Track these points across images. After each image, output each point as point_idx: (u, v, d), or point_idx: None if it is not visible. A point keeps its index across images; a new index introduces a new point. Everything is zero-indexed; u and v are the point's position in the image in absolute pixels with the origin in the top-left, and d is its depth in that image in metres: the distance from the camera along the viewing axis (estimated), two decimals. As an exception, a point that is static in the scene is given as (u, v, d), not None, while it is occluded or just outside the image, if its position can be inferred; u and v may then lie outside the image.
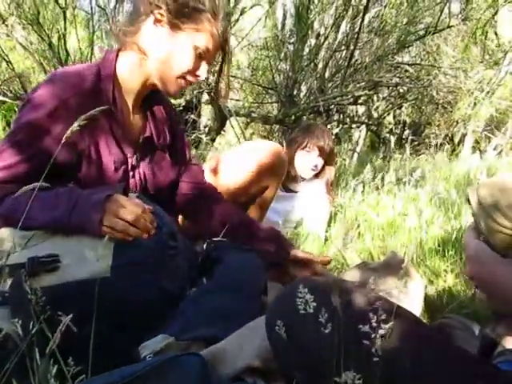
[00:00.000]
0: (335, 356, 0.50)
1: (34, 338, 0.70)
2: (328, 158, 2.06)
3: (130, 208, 0.90)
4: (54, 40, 2.71)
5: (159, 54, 1.06)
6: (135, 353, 0.81)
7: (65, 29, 2.68)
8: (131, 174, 1.13)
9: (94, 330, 0.69)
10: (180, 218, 1.43)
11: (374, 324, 0.47)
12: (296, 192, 2.07)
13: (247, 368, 0.68)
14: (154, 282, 0.95)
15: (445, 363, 0.53)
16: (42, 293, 0.72)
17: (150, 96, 1.18)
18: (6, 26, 2.77)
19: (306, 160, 2.03)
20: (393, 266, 1.18)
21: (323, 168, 2.06)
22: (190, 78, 1.10)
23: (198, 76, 1.11)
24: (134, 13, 1.08)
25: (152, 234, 0.95)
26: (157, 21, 1.04)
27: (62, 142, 0.76)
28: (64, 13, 2.58)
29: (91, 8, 2.83)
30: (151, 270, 0.96)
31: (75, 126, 0.76)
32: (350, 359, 0.50)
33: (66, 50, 2.75)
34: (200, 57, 1.08)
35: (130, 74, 1.10)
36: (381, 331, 0.47)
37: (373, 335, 0.47)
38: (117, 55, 1.09)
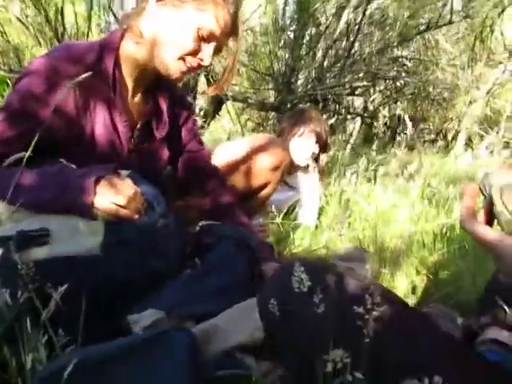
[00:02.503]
0: (326, 335, 0.51)
1: (22, 306, 0.70)
2: (324, 144, 2.01)
3: (122, 190, 0.90)
4: (51, 14, 2.66)
5: (160, 34, 1.02)
6: (124, 324, 0.82)
7: (62, 2, 2.63)
8: (127, 157, 1.12)
9: (83, 305, 0.69)
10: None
11: (369, 306, 0.48)
12: (292, 187, 2.02)
13: (237, 346, 0.69)
14: (142, 261, 0.95)
15: (435, 346, 0.54)
16: (32, 265, 0.72)
17: (156, 83, 1.16)
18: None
19: (304, 148, 1.94)
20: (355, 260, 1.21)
21: (318, 155, 2.00)
22: (191, 60, 1.04)
23: (201, 60, 1.05)
24: None
25: (142, 214, 0.95)
26: (159, 0, 1.01)
27: (52, 107, 0.76)
28: (62, -14, 2.53)
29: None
30: (141, 249, 0.96)
31: (64, 89, 0.75)
32: (341, 339, 0.51)
33: (63, 25, 2.70)
34: (203, 39, 1.02)
35: (132, 56, 1.07)
36: (374, 313, 0.48)
37: (366, 316, 0.48)
38: (122, 37, 1.07)
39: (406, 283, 1.29)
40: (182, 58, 1.03)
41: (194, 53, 1.03)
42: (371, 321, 0.51)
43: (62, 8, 2.59)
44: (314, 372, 0.51)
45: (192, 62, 1.04)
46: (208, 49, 1.03)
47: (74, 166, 0.96)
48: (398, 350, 0.53)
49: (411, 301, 1.24)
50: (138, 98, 1.15)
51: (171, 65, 1.04)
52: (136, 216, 0.93)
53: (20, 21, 2.82)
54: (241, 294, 0.90)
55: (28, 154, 0.77)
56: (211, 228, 1.18)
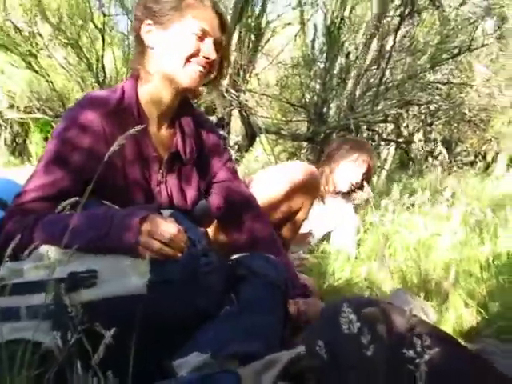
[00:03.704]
0: (377, 379, 0.50)
1: (73, 349, 0.72)
2: (369, 177, 2.02)
3: (165, 228, 0.92)
4: (92, 60, 2.83)
5: (159, 55, 1.10)
6: (169, 368, 0.83)
7: (103, 49, 2.79)
8: (157, 189, 1.16)
9: (133, 345, 0.70)
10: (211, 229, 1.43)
11: (419, 349, 0.47)
12: (325, 205, 2.02)
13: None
14: (187, 299, 0.96)
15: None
16: (81, 307, 0.74)
17: (179, 110, 1.20)
18: (47, 47, 2.90)
19: (351, 174, 1.95)
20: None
21: (361, 185, 2.00)
22: (197, 61, 1.09)
23: (207, 58, 1.09)
24: (135, 39, 1.15)
25: (185, 252, 0.97)
26: (148, 32, 1.09)
27: (104, 160, 0.80)
28: (102, 35, 2.69)
29: (127, 29, 2.94)
30: (185, 287, 0.97)
31: (115, 145, 0.79)
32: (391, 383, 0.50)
33: (104, 70, 2.86)
34: (200, 39, 1.08)
35: (150, 94, 1.14)
36: (426, 356, 0.47)
37: (417, 360, 0.47)
38: (136, 79, 1.15)
39: (454, 317, 1.23)
40: (188, 62, 1.09)
41: (197, 53, 1.09)
42: (423, 364, 0.49)
43: (102, 55, 2.74)
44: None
45: (199, 61, 1.09)
46: (207, 45, 1.09)
47: (117, 208, 1.00)
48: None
49: (460, 336, 1.19)
50: (163, 131, 1.19)
51: (182, 74, 1.09)
52: (179, 254, 0.95)
53: (64, 68, 3.00)
54: (273, 336, 0.90)
55: (77, 199, 0.81)
56: (241, 259, 1.18)
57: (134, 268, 0.90)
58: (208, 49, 1.09)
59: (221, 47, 1.14)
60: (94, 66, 2.82)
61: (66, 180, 1.05)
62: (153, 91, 1.13)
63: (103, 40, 2.73)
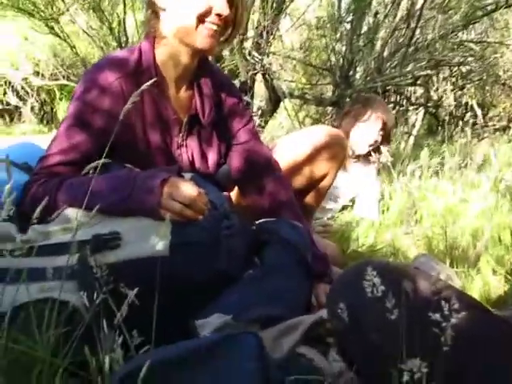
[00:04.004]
0: (400, 343, 0.49)
1: (99, 308, 0.74)
2: (387, 135, 1.94)
3: (186, 191, 0.92)
4: (114, 24, 2.79)
5: (173, 16, 1.06)
6: (192, 327, 0.84)
7: (124, 13, 2.75)
8: (178, 152, 1.15)
9: (156, 305, 0.71)
10: (234, 193, 1.42)
11: (446, 313, 0.45)
12: (346, 171, 1.97)
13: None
14: (209, 261, 0.97)
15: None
16: (106, 268, 0.76)
17: (197, 73, 1.17)
18: (69, 12, 2.88)
19: (367, 134, 1.88)
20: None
21: (378, 147, 1.90)
22: (210, 20, 1.04)
23: (219, 14, 1.04)
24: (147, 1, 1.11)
25: (206, 215, 0.96)
26: None
27: (119, 121, 0.79)
28: (123, -3, 2.65)
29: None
30: (207, 250, 0.98)
31: (129, 104, 0.78)
32: (415, 347, 0.48)
33: (126, 34, 2.82)
34: None
35: (166, 56, 1.11)
36: (453, 320, 0.45)
37: (444, 324, 0.45)
38: (152, 41, 1.12)
39: (481, 284, 1.21)
40: (201, 21, 1.04)
41: (209, 11, 1.03)
42: (449, 328, 0.48)
43: (124, 19, 2.70)
44: (389, 381, 0.49)
45: (212, 19, 1.04)
46: (218, 1, 1.03)
47: (139, 170, 1.00)
48: (479, 362, 0.50)
49: (488, 303, 1.17)
50: (182, 93, 1.17)
51: (195, 35, 1.05)
52: (200, 216, 0.95)
53: (86, 33, 2.98)
54: (297, 301, 0.91)
55: (102, 162, 0.81)
56: (267, 225, 1.17)
57: (155, 230, 0.90)
58: (220, 5, 1.03)
59: (233, 2, 1.08)
60: (116, 30, 2.78)
61: (88, 143, 1.05)
62: (169, 53, 1.11)
63: (124, 3, 2.69)
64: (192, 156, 1.18)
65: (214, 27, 1.05)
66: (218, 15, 1.04)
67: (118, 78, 1.06)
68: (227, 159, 1.28)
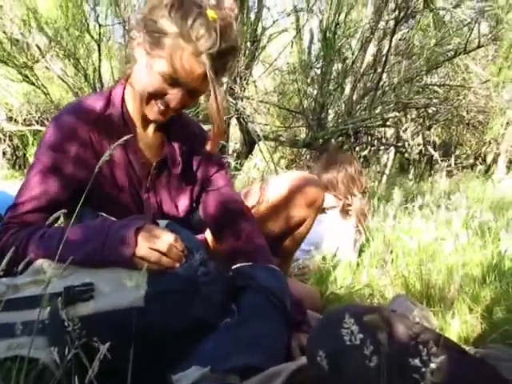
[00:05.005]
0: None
1: (70, 365, 0.71)
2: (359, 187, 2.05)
3: (162, 238, 0.91)
4: (89, 71, 2.83)
5: (135, 76, 1.05)
6: (169, 381, 0.81)
7: (99, 60, 2.79)
8: (146, 195, 1.14)
9: (131, 358, 0.68)
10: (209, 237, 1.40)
11: (425, 357, 0.45)
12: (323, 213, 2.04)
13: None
14: (186, 310, 0.95)
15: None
16: (78, 321, 0.73)
17: (170, 119, 1.14)
18: (45, 59, 2.90)
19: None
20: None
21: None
22: (158, 103, 1.03)
23: (168, 103, 1.02)
24: (128, 43, 1.10)
25: (183, 262, 0.95)
26: (138, 44, 1.02)
27: (95, 171, 0.79)
28: (98, 46, 2.69)
29: (124, 39, 2.94)
30: (183, 298, 0.96)
31: (106, 155, 0.78)
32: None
33: (101, 81, 2.86)
34: (169, 84, 1.00)
35: (134, 99, 1.10)
36: (432, 365, 0.45)
37: (423, 369, 0.45)
38: (125, 84, 1.11)
39: (458, 323, 1.21)
40: (153, 98, 1.03)
41: (161, 95, 1.02)
42: (428, 373, 0.48)
43: (99, 66, 2.74)
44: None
45: (160, 104, 1.03)
46: (175, 93, 1.01)
47: (113, 219, 0.99)
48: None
49: (466, 343, 1.17)
50: (152, 137, 1.16)
51: (145, 105, 1.05)
52: (177, 264, 0.94)
53: (61, 79, 3.00)
54: (275, 348, 0.89)
55: (63, 211, 0.79)
56: (243, 270, 1.16)
57: (130, 280, 0.88)
58: (174, 97, 1.01)
59: (198, 94, 1.07)
60: (91, 77, 2.82)
61: (59, 189, 1.04)
62: (137, 98, 1.09)
63: (99, 51, 2.73)
64: (160, 201, 1.17)
65: (161, 109, 1.04)
66: (166, 103, 1.03)
67: (85, 124, 1.06)
68: (200, 205, 1.28)
